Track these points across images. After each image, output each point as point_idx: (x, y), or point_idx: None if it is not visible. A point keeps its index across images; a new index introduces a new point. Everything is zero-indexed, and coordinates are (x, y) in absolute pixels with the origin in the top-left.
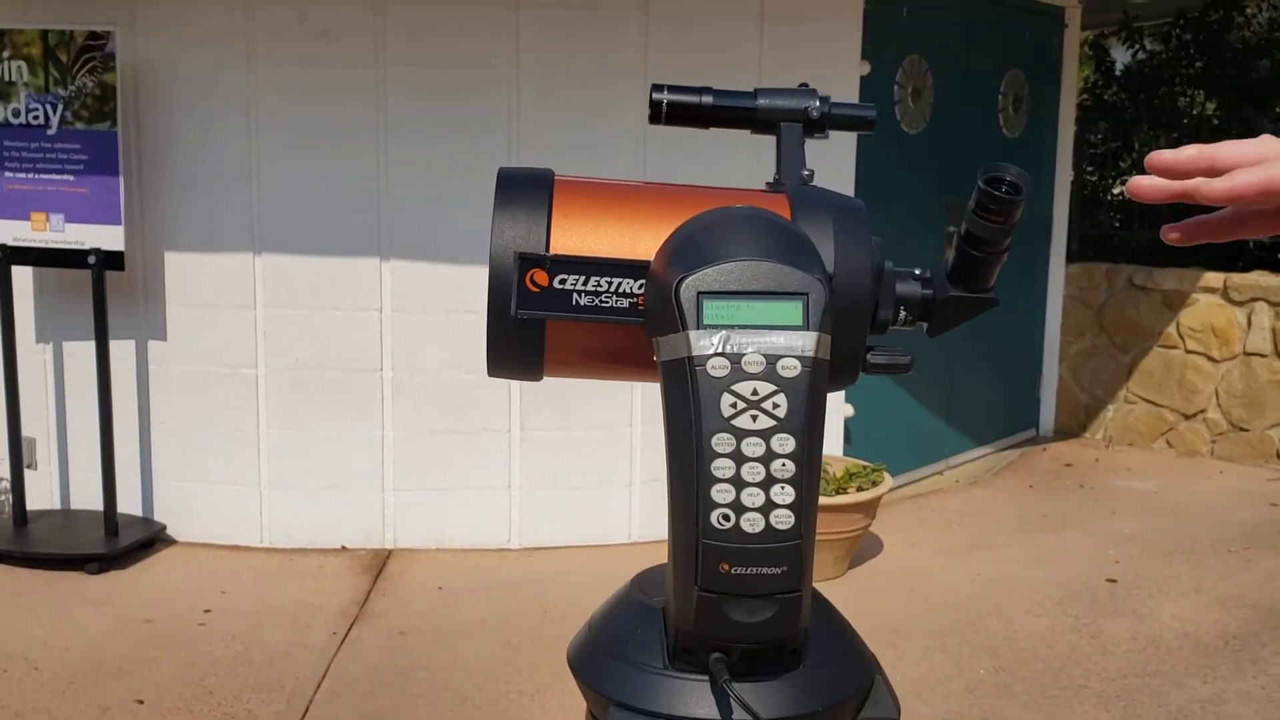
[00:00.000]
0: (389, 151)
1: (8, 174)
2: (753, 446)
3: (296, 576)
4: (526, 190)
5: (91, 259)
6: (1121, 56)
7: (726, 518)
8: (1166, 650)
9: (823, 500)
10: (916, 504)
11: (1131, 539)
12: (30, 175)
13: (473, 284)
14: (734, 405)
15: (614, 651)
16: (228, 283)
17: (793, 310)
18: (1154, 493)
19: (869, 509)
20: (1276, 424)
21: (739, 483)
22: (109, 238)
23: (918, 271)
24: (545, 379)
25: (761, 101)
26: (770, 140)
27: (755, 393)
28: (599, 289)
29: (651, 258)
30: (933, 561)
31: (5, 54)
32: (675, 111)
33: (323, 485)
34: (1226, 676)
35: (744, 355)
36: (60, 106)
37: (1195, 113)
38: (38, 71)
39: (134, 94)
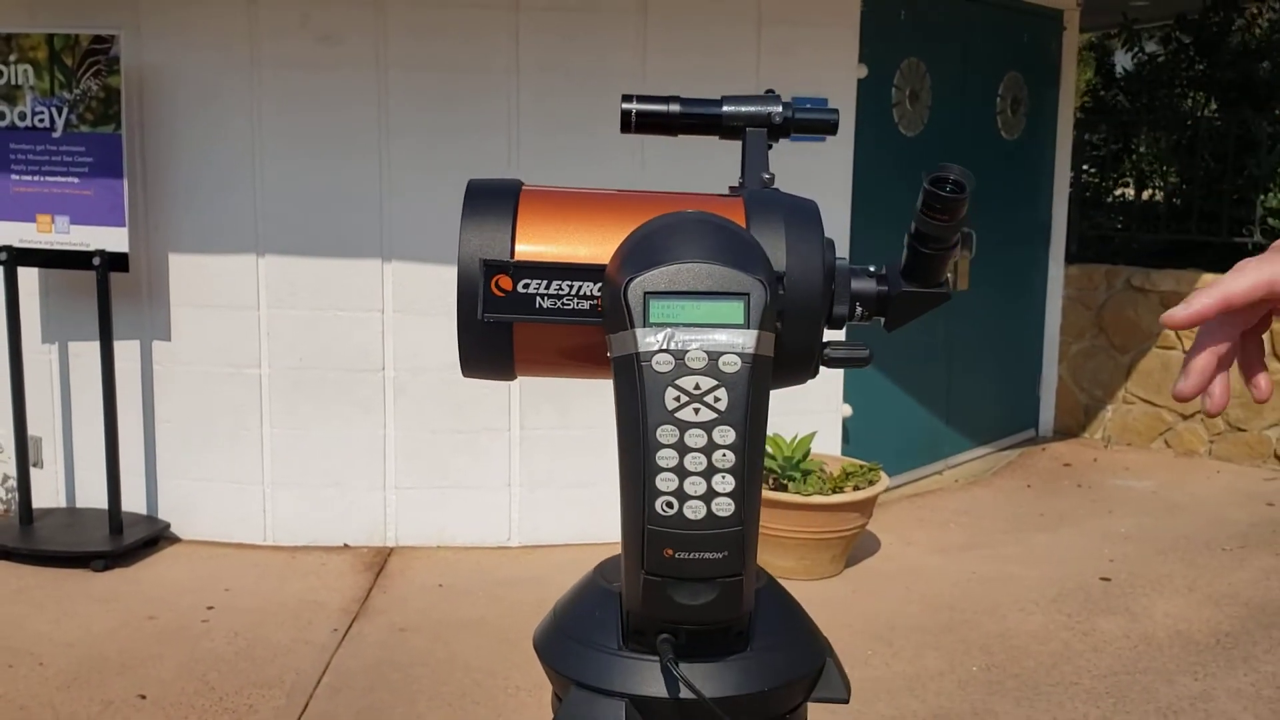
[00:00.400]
0: (390, 154)
1: (14, 176)
2: (695, 438)
3: (299, 574)
4: (492, 200)
5: (96, 260)
6: (1123, 60)
7: (670, 505)
8: (1158, 648)
9: (820, 499)
10: (915, 503)
11: (1127, 538)
12: (36, 177)
13: None
14: (678, 399)
15: (574, 634)
16: (231, 284)
17: (734, 309)
18: (1151, 492)
19: (865, 508)
20: (1274, 424)
21: (682, 472)
22: (113, 239)
23: (873, 269)
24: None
25: (726, 108)
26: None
27: (698, 387)
28: (561, 292)
29: None
30: (929, 560)
31: (11, 58)
32: (644, 120)
33: (325, 484)
34: (1217, 673)
35: (687, 352)
36: (65, 109)
37: (1197, 114)
38: (43, 75)
39: (138, 97)
